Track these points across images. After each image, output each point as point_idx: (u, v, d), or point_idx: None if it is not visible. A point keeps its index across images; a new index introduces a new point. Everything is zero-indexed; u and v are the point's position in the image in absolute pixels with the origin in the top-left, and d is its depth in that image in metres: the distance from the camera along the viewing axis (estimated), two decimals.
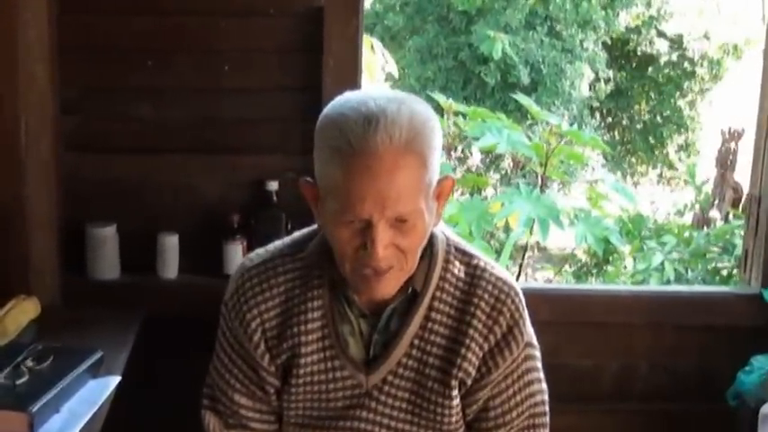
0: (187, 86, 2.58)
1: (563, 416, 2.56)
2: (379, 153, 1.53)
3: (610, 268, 5.58)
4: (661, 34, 11.03)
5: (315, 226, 1.80)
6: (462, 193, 7.24)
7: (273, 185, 2.57)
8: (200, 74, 2.57)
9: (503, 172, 9.85)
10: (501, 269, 1.79)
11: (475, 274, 1.76)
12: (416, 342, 1.74)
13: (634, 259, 5.21)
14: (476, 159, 10.08)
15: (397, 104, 1.57)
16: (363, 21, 2.56)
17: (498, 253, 4.67)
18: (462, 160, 9.89)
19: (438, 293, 1.74)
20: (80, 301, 2.54)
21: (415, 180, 1.56)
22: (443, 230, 1.80)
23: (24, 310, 2.28)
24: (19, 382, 1.90)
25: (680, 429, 2.77)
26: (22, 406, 1.80)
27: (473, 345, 1.73)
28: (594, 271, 5.93)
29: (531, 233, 4.03)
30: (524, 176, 7.50)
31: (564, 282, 6.17)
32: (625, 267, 5.37)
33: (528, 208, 3.78)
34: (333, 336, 1.75)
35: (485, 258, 1.79)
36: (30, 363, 1.97)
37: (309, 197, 1.70)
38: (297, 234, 1.86)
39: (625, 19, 10.89)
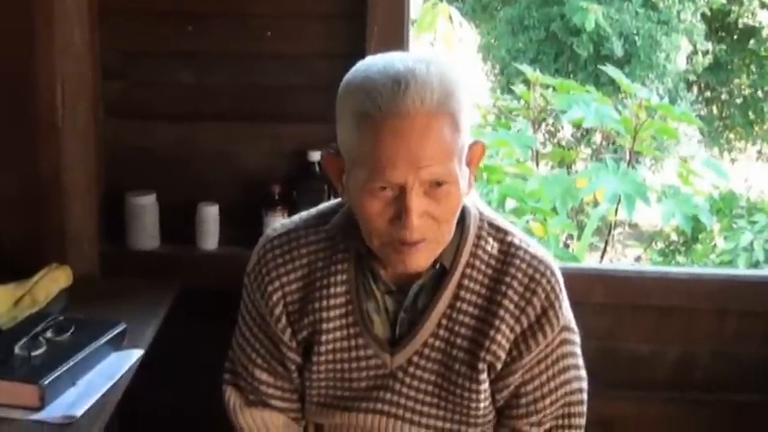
0: (228, 52, 2.54)
1: (617, 402, 2.48)
2: (410, 115, 1.45)
3: (698, 247, 5.38)
4: (764, 5, 10.64)
5: None
6: (552, 167, 7.12)
7: (316, 156, 2.51)
8: (242, 39, 2.52)
9: (594, 146, 9.63)
10: (538, 247, 1.69)
11: (509, 251, 1.66)
12: (444, 322, 1.65)
13: (725, 238, 5.00)
14: (566, 133, 9.90)
15: (425, 65, 1.48)
16: None
17: (583, 228, 4.53)
18: (552, 134, 9.72)
19: (468, 270, 1.64)
20: (118, 271, 2.53)
21: (447, 141, 1.48)
22: (477, 205, 1.70)
23: (55, 279, 2.26)
24: (35, 353, 1.86)
25: (743, 421, 2.61)
26: (35, 378, 1.77)
27: (503, 327, 1.63)
28: (682, 249, 5.72)
29: (617, 210, 3.91)
30: (615, 151, 7.32)
31: (649, 259, 5.99)
32: (714, 246, 5.17)
33: (614, 184, 3.70)
34: (357, 312, 1.67)
35: (521, 235, 1.69)
36: (49, 334, 1.94)
37: (333, 171, 1.63)
38: (324, 205, 1.80)
39: None
